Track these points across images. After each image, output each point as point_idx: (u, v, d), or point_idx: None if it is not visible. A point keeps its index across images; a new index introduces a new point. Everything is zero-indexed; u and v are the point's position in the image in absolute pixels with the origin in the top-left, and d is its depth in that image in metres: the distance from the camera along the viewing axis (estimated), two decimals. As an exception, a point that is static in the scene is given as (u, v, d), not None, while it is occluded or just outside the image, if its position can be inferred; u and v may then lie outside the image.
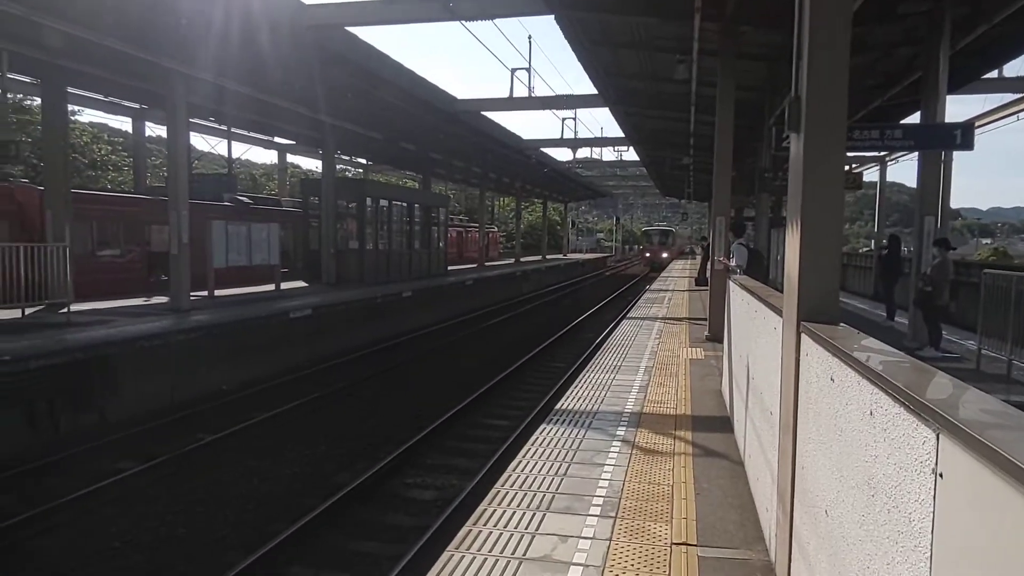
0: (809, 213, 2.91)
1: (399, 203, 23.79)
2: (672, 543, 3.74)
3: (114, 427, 9.21)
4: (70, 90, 14.69)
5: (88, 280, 13.91)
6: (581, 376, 8.36)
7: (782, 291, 4.07)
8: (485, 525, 3.99)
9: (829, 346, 2.34)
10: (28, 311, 11.15)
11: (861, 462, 1.92)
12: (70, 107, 17.41)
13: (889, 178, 22.69)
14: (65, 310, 11.14)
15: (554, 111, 21.29)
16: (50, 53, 11.73)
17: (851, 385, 2.04)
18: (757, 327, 4.43)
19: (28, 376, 8.34)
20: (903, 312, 12.88)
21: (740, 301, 5.79)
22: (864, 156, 22.37)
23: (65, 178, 13.79)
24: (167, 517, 6.72)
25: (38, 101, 20.53)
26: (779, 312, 3.35)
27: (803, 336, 2.78)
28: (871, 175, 24.23)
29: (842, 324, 2.75)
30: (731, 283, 6.92)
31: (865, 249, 34.54)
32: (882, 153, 20.79)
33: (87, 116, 38.64)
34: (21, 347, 8.66)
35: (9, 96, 18.32)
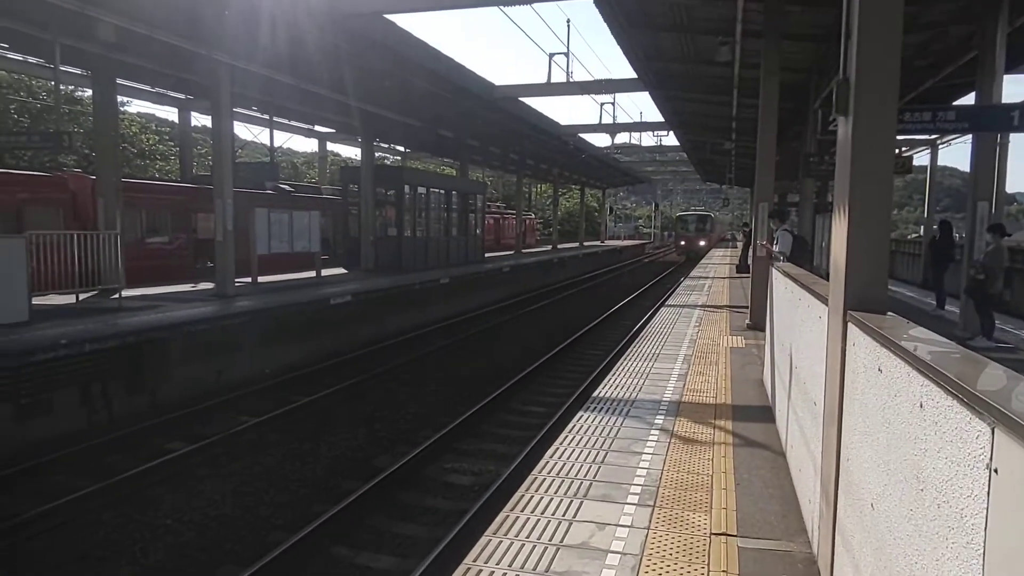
0: (857, 199, 2.83)
1: (437, 190, 23.90)
2: (711, 533, 3.71)
3: (164, 409, 9.52)
4: (119, 81, 15.11)
5: (137, 266, 14.35)
6: (618, 364, 8.32)
7: (827, 279, 3.98)
8: (523, 511, 4.02)
9: (877, 336, 2.27)
10: (82, 296, 11.56)
11: (910, 455, 1.87)
12: (119, 98, 17.89)
13: (940, 162, 21.85)
14: (117, 296, 11.53)
15: (592, 96, 21.07)
16: (101, 46, 12.07)
17: (900, 376, 1.99)
18: (801, 315, 4.34)
19: (83, 359, 8.67)
20: (954, 301, 12.47)
21: (783, 289, 5.68)
22: (914, 139, 21.60)
23: (116, 167, 14.21)
24: (214, 497, 6.94)
25: (89, 92, 21.19)
26: (824, 301, 3.28)
27: (850, 325, 2.71)
28: (921, 159, 23.38)
29: (890, 313, 2.67)
30: (774, 270, 6.78)
31: (914, 235, 33.45)
32: (933, 136, 20.03)
33: (135, 107, 39.71)
34: (76, 331, 9.00)
35: (62, 88, 18.92)
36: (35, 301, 9.84)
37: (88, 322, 9.75)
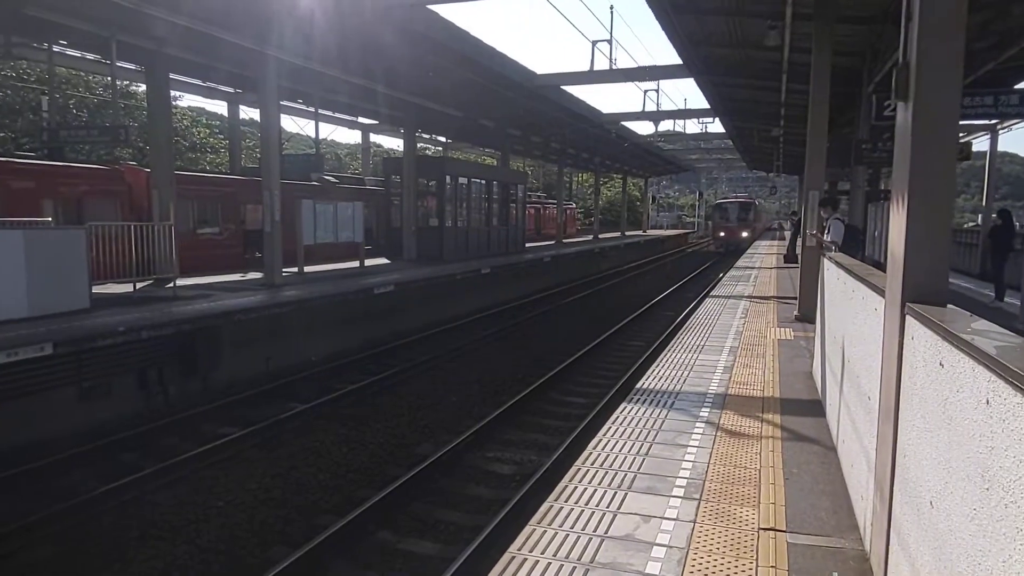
0: (917, 187, 2.73)
1: (478, 180, 23.96)
2: (760, 528, 3.66)
3: (216, 394, 9.82)
4: (171, 76, 15.53)
5: (190, 256, 14.78)
6: (662, 356, 8.24)
7: (881, 268, 3.85)
8: (566, 502, 4.03)
9: (939, 329, 2.20)
10: (138, 285, 11.98)
11: (974, 453, 1.81)
12: (171, 92, 18.41)
13: (999, 147, 20.94)
14: (171, 284, 11.91)
15: (636, 83, 20.78)
16: (155, 42, 12.43)
17: (964, 371, 1.92)
18: (854, 307, 4.22)
19: (140, 345, 8.99)
20: (1013, 292, 11.96)
21: (835, 280, 5.53)
22: (973, 124, 20.71)
23: (169, 160, 14.64)
24: (264, 480, 7.14)
25: (143, 87, 21.86)
26: (881, 292, 3.18)
27: (908, 318, 2.63)
28: (980, 144, 22.41)
29: (950, 305, 2.58)
30: (826, 260, 6.61)
31: (971, 224, 32.15)
32: (993, 121, 19.19)
33: (186, 101, 40.70)
34: (134, 318, 9.33)
35: (117, 83, 19.52)
36: (95, 290, 10.23)
37: (145, 310, 10.10)
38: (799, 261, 12.31)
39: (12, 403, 7.67)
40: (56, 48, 14.74)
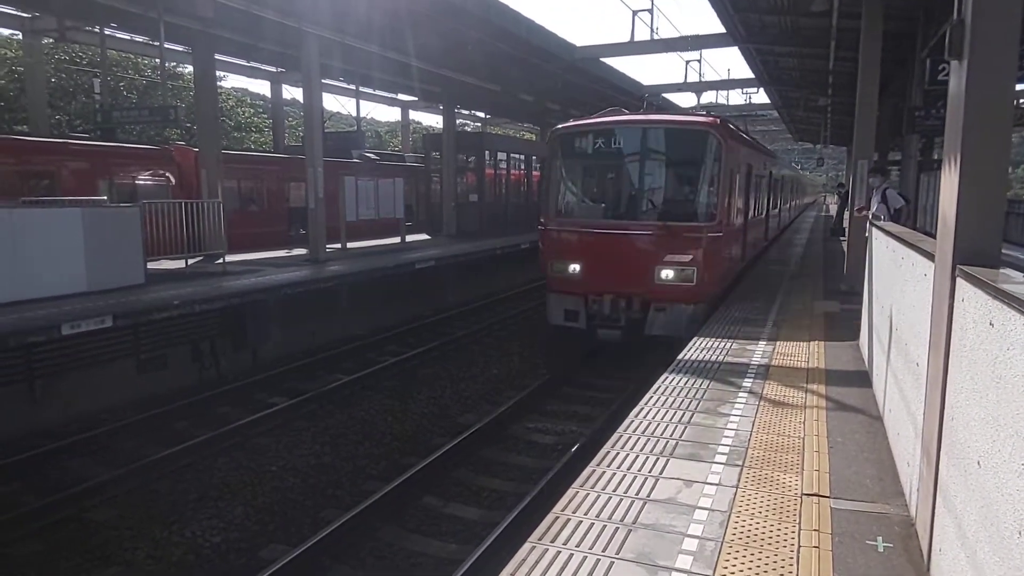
0: (969, 147, 2.67)
1: (517, 155, 23.90)
2: (803, 494, 3.67)
3: (265, 366, 10.15)
4: (216, 57, 15.84)
5: (237, 233, 15.17)
6: (704, 327, 8.19)
7: (932, 238, 3.78)
8: (609, 466, 4.09)
9: (989, 288, 2.17)
10: (190, 262, 12.38)
11: (1023, 410, 1.81)
12: (216, 73, 18.77)
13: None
14: (221, 261, 12.28)
15: (678, 53, 20.33)
16: (201, 22, 12.68)
17: (1015, 329, 1.90)
18: (903, 274, 4.15)
19: (194, 319, 9.34)
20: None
21: (884, 248, 5.42)
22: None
23: (216, 140, 15.01)
24: (314, 447, 7.41)
25: (189, 69, 22.33)
26: (930, 257, 3.13)
27: (959, 280, 2.59)
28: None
29: (1003, 269, 2.53)
30: (874, 229, 6.47)
31: (1032, 195, 30.77)
32: (1058, 84, 18.24)
33: (230, 82, 41.49)
34: (187, 293, 9.68)
35: (165, 65, 19.99)
36: (149, 266, 10.63)
37: (197, 285, 10.46)
38: (847, 234, 12.03)
39: (77, 373, 8.08)
40: (107, 31, 15.16)
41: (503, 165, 22.76)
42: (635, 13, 17.61)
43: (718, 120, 9.12)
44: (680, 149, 8.89)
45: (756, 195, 12.70)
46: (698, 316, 8.43)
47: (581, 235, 8.93)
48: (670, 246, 8.34)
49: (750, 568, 2.96)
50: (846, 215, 13.68)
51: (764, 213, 15.07)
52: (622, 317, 8.56)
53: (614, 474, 3.97)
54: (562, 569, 2.96)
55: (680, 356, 6.70)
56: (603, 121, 9.15)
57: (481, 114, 32.53)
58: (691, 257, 8.30)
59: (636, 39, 17.76)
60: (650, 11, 17.99)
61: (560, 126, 9.65)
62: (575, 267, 8.76)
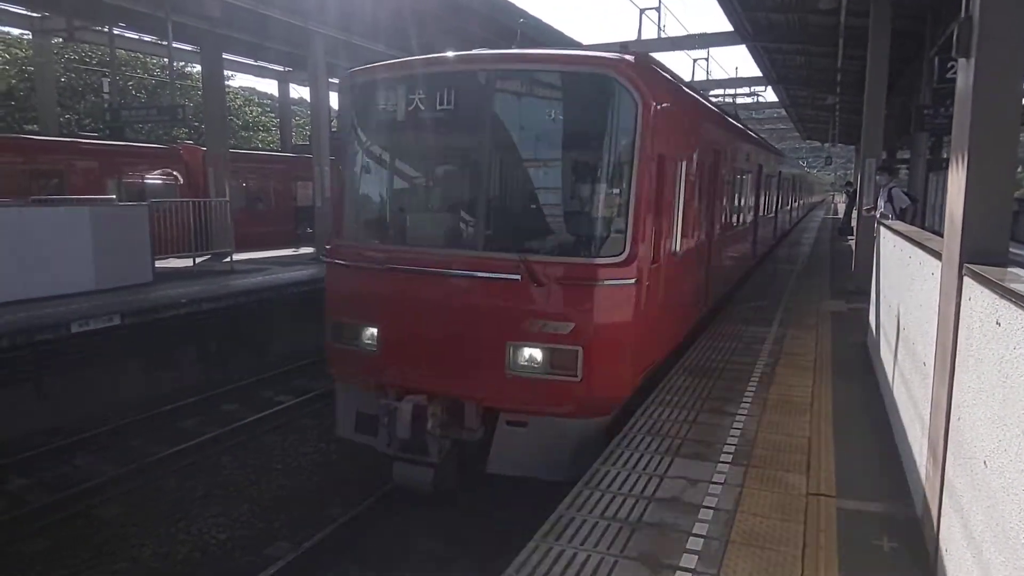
0: (977, 145, 2.66)
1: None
2: (808, 493, 3.66)
3: (271, 364, 10.18)
4: (224, 56, 15.90)
5: (244, 232, 15.22)
6: (710, 327, 8.16)
7: (939, 236, 3.75)
8: (614, 465, 4.09)
9: (996, 287, 2.16)
10: (197, 260, 12.43)
11: (1030, 409, 1.79)
12: (224, 72, 18.83)
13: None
14: (228, 259, 12.32)
15: (686, 51, 20.25)
16: (208, 21, 12.73)
17: (1021, 328, 1.89)
18: (911, 273, 4.13)
19: (201, 317, 9.37)
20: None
21: (892, 247, 5.40)
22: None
23: (224, 139, 15.06)
24: (320, 444, 7.43)
25: (197, 68, 22.41)
26: (937, 256, 3.11)
27: (965, 279, 2.57)
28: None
29: (1011, 268, 2.51)
30: (882, 228, 6.43)
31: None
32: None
33: (238, 81, 41.55)
34: (194, 291, 9.72)
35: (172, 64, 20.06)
36: (157, 264, 10.67)
37: (204, 283, 10.50)
38: (855, 233, 11.97)
39: (85, 370, 8.12)
40: (115, 31, 15.25)
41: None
42: (642, 11, 17.55)
43: (633, 59, 5.05)
44: (558, 113, 5.02)
45: (729, 200, 8.99)
46: (594, 436, 4.85)
47: (379, 276, 5.17)
48: (534, 301, 4.68)
49: (755, 567, 2.95)
50: (854, 214, 13.61)
51: (750, 222, 11.54)
52: (437, 442, 4.93)
53: (619, 473, 3.97)
54: (567, 567, 2.96)
55: (686, 355, 6.68)
56: (423, 60, 5.44)
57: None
58: (574, 324, 4.62)
59: (643, 37, 17.69)
60: (657, 9, 17.93)
61: (356, 69, 5.77)
62: (371, 332, 5.26)
